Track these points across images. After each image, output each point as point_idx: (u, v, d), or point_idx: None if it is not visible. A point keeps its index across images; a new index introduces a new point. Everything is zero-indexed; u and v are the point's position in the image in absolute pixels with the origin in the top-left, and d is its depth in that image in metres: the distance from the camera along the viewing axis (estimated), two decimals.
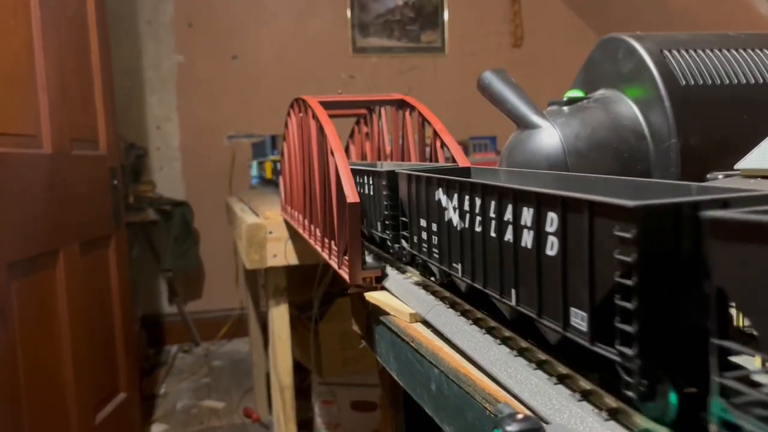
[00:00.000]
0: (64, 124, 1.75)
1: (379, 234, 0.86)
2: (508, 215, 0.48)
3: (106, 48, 2.09)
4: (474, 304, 0.61)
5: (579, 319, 0.40)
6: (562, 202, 0.41)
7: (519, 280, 0.48)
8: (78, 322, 1.75)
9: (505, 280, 0.50)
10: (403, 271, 0.81)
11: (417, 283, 0.75)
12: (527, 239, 0.45)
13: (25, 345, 1.47)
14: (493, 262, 0.51)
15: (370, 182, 0.89)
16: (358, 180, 0.96)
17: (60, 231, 1.69)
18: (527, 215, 0.45)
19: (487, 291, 0.53)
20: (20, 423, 1.43)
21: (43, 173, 1.62)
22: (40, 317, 1.57)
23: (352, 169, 0.84)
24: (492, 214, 0.51)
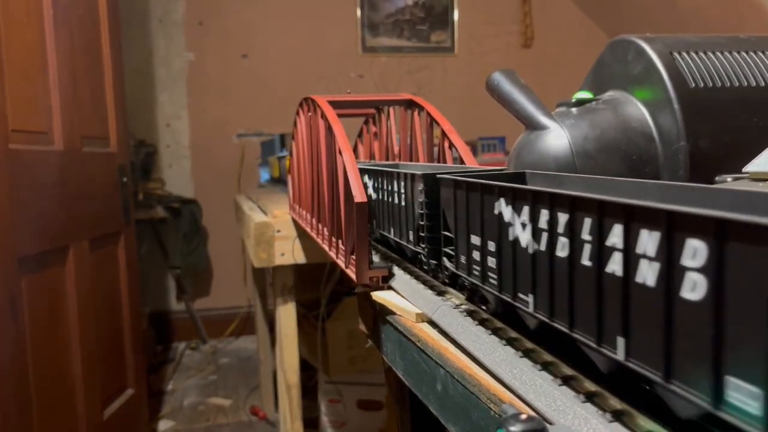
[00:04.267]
0: (75, 122, 1.76)
1: (411, 247, 0.96)
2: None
3: (117, 46, 2.10)
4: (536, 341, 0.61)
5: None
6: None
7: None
8: (87, 317, 1.76)
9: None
10: (442, 293, 0.93)
11: (424, 282, 0.75)
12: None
13: (35, 339, 1.48)
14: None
15: (394, 188, 1.00)
16: (378, 184, 0.97)
17: (70, 227, 1.71)
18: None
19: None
20: (29, 417, 1.44)
21: (54, 170, 1.63)
22: (49, 312, 1.58)
23: (367, 170, 0.88)
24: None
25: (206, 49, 3.59)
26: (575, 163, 0.79)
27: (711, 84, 0.77)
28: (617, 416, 0.40)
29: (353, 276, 0.81)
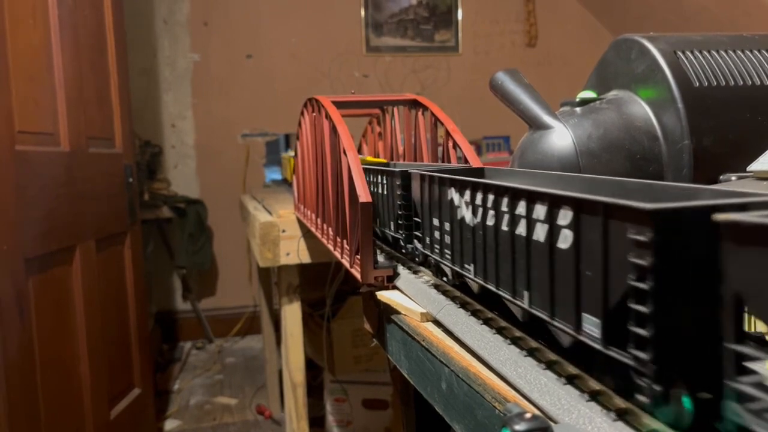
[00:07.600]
0: (81, 122, 1.77)
1: (392, 234, 0.87)
2: (520, 211, 0.49)
3: (122, 47, 2.11)
4: (485, 304, 0.61)
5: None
6: (577, 203, 0.40)
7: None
8: (93, 317, 1.77)
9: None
10: (416, 272, 0.81)
11: (429, 283, 0.76)
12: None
13: (42, 339, 1.49)
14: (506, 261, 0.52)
15: (383, 181, 0.91)
16: (371, 179, 0.97)
17: (76, 227, 1.71)
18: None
19: (499, 292, 0.53)
20: (37, 417, 1.45)
21: (61, 170, 1.64)
22: (56, 312, 1.59)
23: (364, 168, 0.86)
24: (504, 210, 0.52)
25: (211, 49, 3.60)
26: (579, 162, 0.79)
27: (715, 83, 0.77)
28: (621, 415, 0.40)
29: (358, 276, 0.82)
